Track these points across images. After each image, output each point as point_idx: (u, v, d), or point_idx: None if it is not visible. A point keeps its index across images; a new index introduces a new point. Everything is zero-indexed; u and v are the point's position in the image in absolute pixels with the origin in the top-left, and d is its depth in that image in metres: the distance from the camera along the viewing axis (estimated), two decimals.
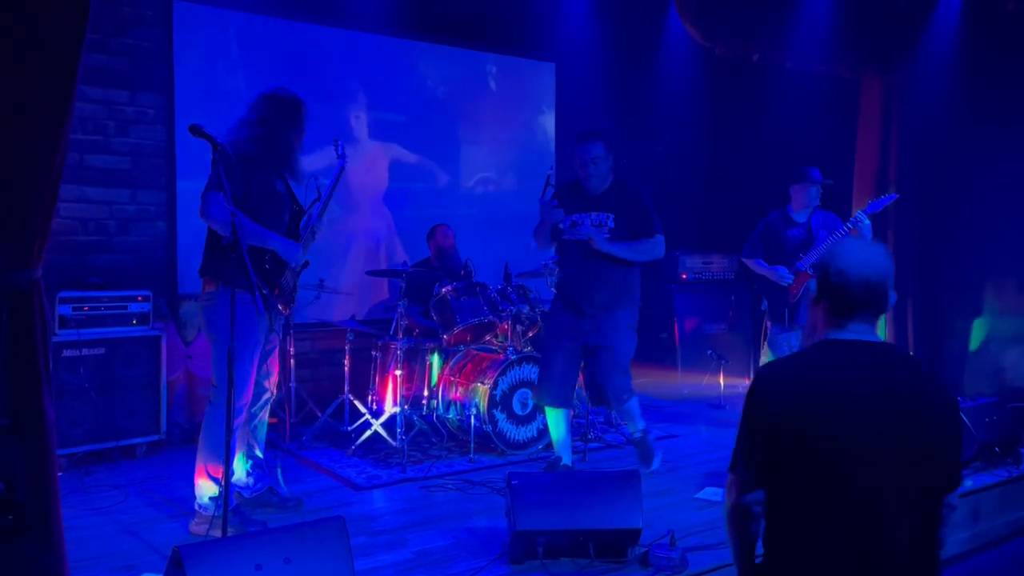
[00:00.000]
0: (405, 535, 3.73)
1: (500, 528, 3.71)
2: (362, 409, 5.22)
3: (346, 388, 5.38)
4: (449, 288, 5.17)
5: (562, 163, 7.08)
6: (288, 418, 5.39)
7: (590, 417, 5.36)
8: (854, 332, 1.99)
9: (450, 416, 5.23)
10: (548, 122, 7.49)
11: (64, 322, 4.67)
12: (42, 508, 2.12)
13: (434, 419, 5.34)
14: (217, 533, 3.15)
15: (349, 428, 5.27)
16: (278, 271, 3.73)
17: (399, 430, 4.94)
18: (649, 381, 7.10)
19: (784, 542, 1.95)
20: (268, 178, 3.71)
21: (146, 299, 4.98)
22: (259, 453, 3.97)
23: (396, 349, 5.09)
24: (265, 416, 3.98)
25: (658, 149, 7.96)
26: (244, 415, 3.75)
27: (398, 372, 5.04)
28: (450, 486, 4.44)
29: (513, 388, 5.04)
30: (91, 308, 4.77)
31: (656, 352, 7.36)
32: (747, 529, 2.03)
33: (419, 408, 5.30)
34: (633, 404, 4.53)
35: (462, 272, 5.41)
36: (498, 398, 4.97)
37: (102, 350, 4.76)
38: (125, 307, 4.90)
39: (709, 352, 7.04)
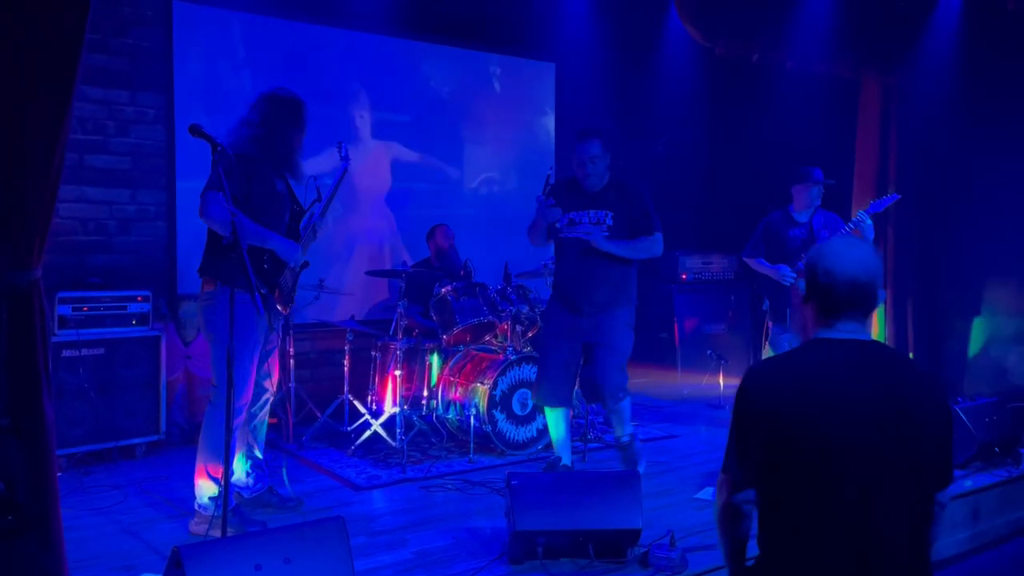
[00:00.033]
0: (405, 535, 3.73)
1: (500, 528, 3.71)
2: (362, 409, 5.22)
3: (346, 388, 5.38)
4: (449, 288, 5.17)
5: (562, 163, 7.08)
6: (288, 418, 5.39)
7: (590, 417, 5.35)
8: (843, 331, 1.99)
9: (450, 416, 5.23)
10: (548, 122, 7.49)
11: (64, 322, 4.67)
12: (42, 508, 2.13)
13: (434, 419, 5.34)
14: (217, 533, 3.15)
15: (349, 428, 5.27)
16: (276, 271, 3.73)
17: (399, 430, 4.94)
18: (649, 381, 7.10)
19: (776, 540, 1.95)
20: (268, 178, 3.71)
21: (146, 299, 4.98)
22: (258, 454, 3.97)
23: (396, 349, 5.09)
24: (265, 416, 3.98)
25: (658, 149, 7.96)
26: (244, 415, 3.75)
27: (398, 372, 5.04)
28: (450, 486, 4.44)
29: (513, 388, 5.04)
30: (91, 308, 4.77)
31: (656, 352, 7.36)
32: (737, 528, 2.04)
33: (419, 408, 5.30)
34: (627, 405, 4.52)
35: (462, 272, 5.41)
36: (498, 398, 4.97)
37: (101, 350, 4.76)
38: (125, 307, 4.90)
39: (709, 352, 7.04)
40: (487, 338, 5.49)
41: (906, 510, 1.89)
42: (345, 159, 4.20)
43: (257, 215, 3.61)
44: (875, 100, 6.59)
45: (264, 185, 3.68)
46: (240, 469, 3.88)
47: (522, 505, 3.30)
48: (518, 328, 5.43)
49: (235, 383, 3.17)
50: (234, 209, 3.18)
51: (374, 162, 6.49)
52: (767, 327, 5.47)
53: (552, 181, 4.45)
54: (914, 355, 6.46)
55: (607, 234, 4.35)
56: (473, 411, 4.98)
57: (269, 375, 3.90)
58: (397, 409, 5.01)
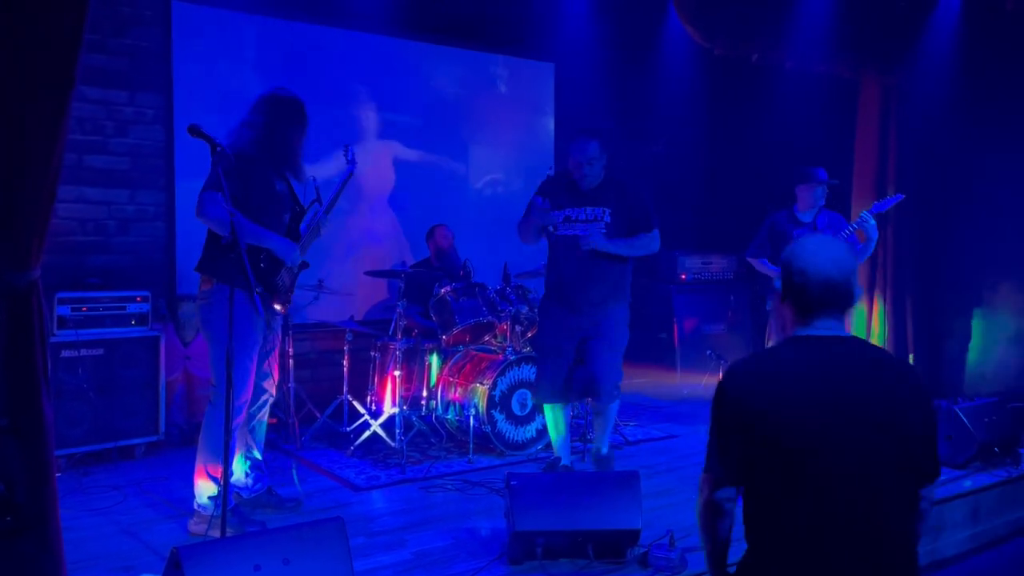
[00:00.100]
0: (404, 536, 3.72)
1: (499, 529, 3.71)
2: (361, 410, 5.21)
3: (345, 389, 5.37)
4: (448, 288, 5.17)
5: (561, 163, 7.06)
6: (287, 419, 5.39)
7: (589, 418, 5.35)
8: (821, 328, 2.00)
9: (449, 417, 5.22)
10: (548, 122, 7.49)
11: (63, 323, 4.66)
12: (40, 509, 2.12)
13: (433, 420, 5.33)
14: (216, 533, 3.14)
15: (348, 429, 5.27)
16: (273, 270, 3.72)
17: (398, 431, 4.93)
18: (648, 381, 7.11)
19: (761, 537, 1.96)
20: (268, 178, 3.71)
21: (145, 300, 4.98)
22: (258, 454, 3.97)
23: (395, 350, 5.09)
24: (264, 417, 3.98)
25: (657, 149, 7.96)
26: (244, 415, 3.75)
27: (397, 373, 5.03)
28: (449, 487, 4.44)
29: (512, 388, 5.04)
30: (90, 309, 4.77)
31: (655, 352, 7.36)
32: (718, 526, 2.05)
33: (418, 409, 5.30)
34: (615, 408, 4.52)
35: (461, 272, 5.41)
36: (497, 398, 4.96)
37: (101, 351, 4.76)
38: (124, 308, 4.90)
39: (708, 352, 7.04)
40: (486, 338, 5.49)
41: (890, 505, 1.89)
42: (351, 162, 4.20)
43: (256, 215, 3.61)
44: (875, 100, 6.59)
45: (263, 185, 3.68)
46: (239, 469, 3.88)
47: (521, 505, 3.30)
48: (517, 328, 5.43)
49: (234, 382, 3.16)
50: (233, 209, 3.18)
51: (378, 162, 6.49)
52: (769, 327, 5.47)
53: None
54: (914, 355, 6.46)
55: (604, 231, 4.34)
56: (472, 411, 4.98)
57: (269, 375, 3.90)
58: (396, 409, 5.01)
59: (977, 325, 6.41)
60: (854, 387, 1.92)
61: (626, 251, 4.38)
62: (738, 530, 2.05)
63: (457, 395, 5.14)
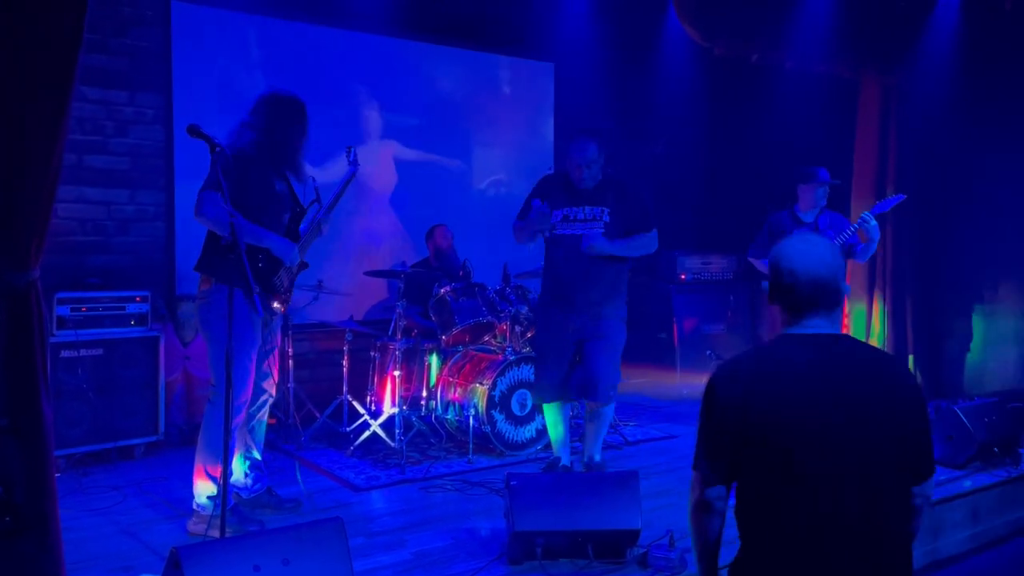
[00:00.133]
0: (404, 536, 3.72)
1: (499, 529, 3.71)
2: (361, 410, 5.21)
3: (345, 389, 5.37)
4: (448, 289, 5.17)
5: (561, 163, 7.07)
6: (287, 419, 5.38)
7: None
8: (810, 327, 2.01)
9: (449, 417, 5.22)
10: (548, 122, 7.49)
11: (62, 323, 4.66)
12: (40, 509, 2.12)
13: (433, 420, 5.33)
14: (215, 533, 3.14)
15: (348, 429, 5.26)
16: (272, 269, 3.72)
17: (398, 431, 4.93)
18: (648, 381, 7.10)
19: (754, 534, 1.96)
20: (267, 178, 3.71)
21: (144, 300, 4.97)
22: (257, 455, 3.96)
23: (395, 350, 5.09)
24: (264, 417, 3.97)
25: (657, 149, 7.96)
26: (243, 414, 3.74)
27: (397, 373, 5.03)
28: (449, 487, 4.43)
29: (512, 389, 5.04)
30: (89, 309, 4.77)
31: (655, 352, 7.35)
32: (709, 525, 2.06)
33: (418, 409, 5.29)
34: (610, 412, 4.51)
35: (460, 272, 5.41)
36: (497, 399, 4.96)
37: (100, 351, 4.76)
38: (123, 308, 4.89)
39: (708, 352, 7.04)
40: (486, 338, 5.49)
41: (884, 502, 1.89)
42: (354, 164, 4.19)
43: (255, 215, 3.61)
44: (875, 100, 6.59)
45: (263, 185, 3.68)
46: (239, 469, 3.87)
47: (521, 505, 3.30)
48: (517, 328, 5.43)
49: (233, 382, 3.16)
50: (232, 209, 3.18)
51: (379, 162, 6.49)
52: (763, 326, 5.47)
53: None
54: (914, 355, 6.46)
55: (603, 231, 4.34)
56: (472, 411, 4.98)
57: (268, 375, 3.90)
58: (396, 410, 5.00)
59: (977, 325, 6.41)
60: (847, 385, 1.92)
61: (625, 252, 4.38)
62: (731, 532, 2.05)
63: (457, 395, 5.14)
